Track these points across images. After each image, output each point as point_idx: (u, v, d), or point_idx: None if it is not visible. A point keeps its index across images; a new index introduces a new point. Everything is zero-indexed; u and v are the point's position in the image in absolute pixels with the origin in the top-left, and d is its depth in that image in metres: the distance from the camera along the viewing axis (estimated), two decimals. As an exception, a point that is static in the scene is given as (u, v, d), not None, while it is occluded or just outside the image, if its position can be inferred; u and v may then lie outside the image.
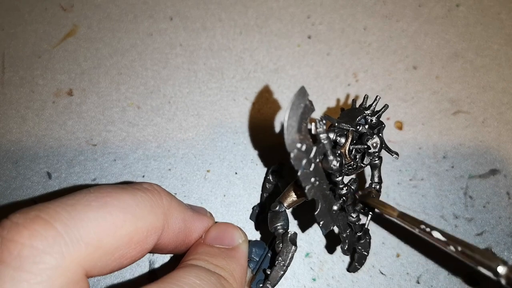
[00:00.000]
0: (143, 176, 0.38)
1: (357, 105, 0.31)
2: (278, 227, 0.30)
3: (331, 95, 0.41)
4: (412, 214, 0.38)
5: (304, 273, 0.37)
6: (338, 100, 0.41)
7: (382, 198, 0.38)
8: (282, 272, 0.28)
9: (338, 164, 0.26)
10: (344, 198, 0.29)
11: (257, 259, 0.31)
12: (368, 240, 0.32)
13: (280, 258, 0.28)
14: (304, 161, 0.24)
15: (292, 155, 0.24)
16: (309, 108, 0.24)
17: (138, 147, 0.39)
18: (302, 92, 0.24)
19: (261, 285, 0.29)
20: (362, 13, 0.44)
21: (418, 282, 0.37)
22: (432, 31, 0.44)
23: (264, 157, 0.39)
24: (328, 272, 0.37)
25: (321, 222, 0.27)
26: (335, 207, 0.28)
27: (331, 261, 0.37)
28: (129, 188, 0.25)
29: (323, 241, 0.37)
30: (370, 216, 0.31)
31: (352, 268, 0.34)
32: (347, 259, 0.37)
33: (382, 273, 0.37)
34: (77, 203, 0.22)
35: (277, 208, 0.31)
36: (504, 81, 0.42)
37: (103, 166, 0.39)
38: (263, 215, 0.37)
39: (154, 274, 0.36)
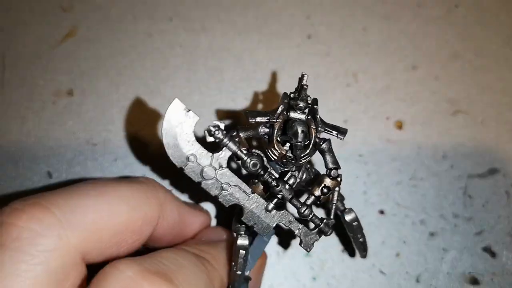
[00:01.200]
0: (144, 175, 0.38)
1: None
2: (237, 230, 0.28)
3: (330, 95, 0.41)
4: (412, 214, 0.38)
5: (304, 272, 0.37)
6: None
7: (382, 197, 0.38)
8: (235, 277, 0.27)
9: (251, 164, 0.25)
10: (279, 196, 0.26)
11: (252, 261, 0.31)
12: (356, 224, 0.31)
13: (232, 263, 0.28)
14: (204, 171, 0.24)
15: (185, 169, 0.23)
16: (190, 118, 0.24)
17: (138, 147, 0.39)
18: (176, 106, 0.23)
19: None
20: (361, 13, 0.44)
21: (418, 281, 0.37)
22: (431, 31, 0.44)
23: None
24: (329, 271, 0.37)
25: (254, 225, 0.26)
26: (269, 207, 0.26)
27: (331, 260, 0.37)
28: (126, 180, 0.26)
29: (322, 241, 0.37)
30: (333, 205, 0.28)
31: (361, 255, 0.33)
32: (347, 259, 0.37)
33: (382, 272, 0.37)
34: (74, 192, 0.24)
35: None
36: (503, 81, 0.42)
37: (103, 166, 0.39)
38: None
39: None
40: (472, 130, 0.41)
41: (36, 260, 0.20)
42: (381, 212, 0.38)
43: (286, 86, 0.42)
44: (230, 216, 0.38)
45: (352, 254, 0.37)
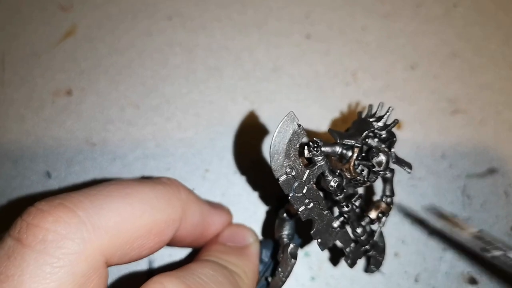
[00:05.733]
0: (142, 176, 0.38)
1: (366, 114, 0.30)
2: (283, 236, 0.30)
3: (330, 94, 0.41)
4: (411, 213, 0.38)
5: (302, 272, 0.37)
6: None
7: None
8: (281, 283, 0.28)
9: (335, 185, 0.26)
10: (345, 215, 0.28)
11: (267, 260, 0.31)
12: (382, 245, 0.32)
13: (280, 269, 0.28)
14: (295, 185, 0.25)
15: (281, 180, 0.24)
16: (299, 133, 0.24)
17: (137, 147, 0.39)
18: (290, 118, 0.24)
19: None
20: (361, 13, 0.44)
21: (417, 281, 0.37)
22: (430, 31, 0.44)
23: (264, 157, 0.39)
24: (327, 271, 0.37)
25: (318, 240, 0.27)
26: (335, 225, 0.28)
27: (330, 260, 0.37)
28: (149, 181, 0.26)
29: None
30: (379, 228, 0.31)
31: (369, 269, 0.33)
32: (345, 258, 0.37)
33: (381, 272, 0.37)
34: (98, 193, 0.23)
35: (284, 215, 0.31)
36: (501, 80, 0.43)
37: (102, 166, 0.39)
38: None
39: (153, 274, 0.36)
40: (471, 129, 0.41)
41: (60, 263, 0.20)
42: (380, 211, 0.38)
43: (286, 85, 0.42)
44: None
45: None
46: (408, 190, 0.39)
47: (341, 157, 0.28)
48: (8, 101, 0.40)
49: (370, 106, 0.29)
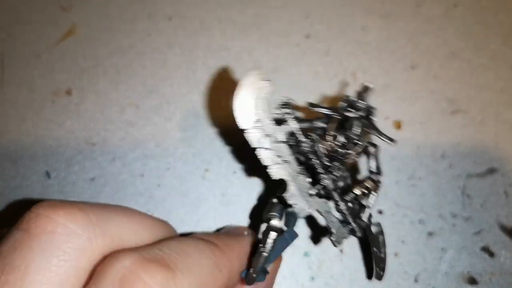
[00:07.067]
0: (142, 175, 0.38)
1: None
2: (269, 216, 0.28)
3: (330, 94, 0.41)
4: (410, 213, 0.38)
5: (302, 272, 0.37)
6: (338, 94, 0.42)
7: (380, 196, 0.38)
8: (262, 259, 0.27)
9: (308, 143, 0.26)
10: (323, 183, 0.27)
11: (288, 238, 0.31)
12: (382, 238, 0.31)
13: (260, 244, 0.28)
14: (262, 139, 0.24)
15: (246, 132, 0.24)
16: (267, 87, 0.24)
17: (137, 146, 0.39)
18: (258, 71, 0.24)
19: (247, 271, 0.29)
20: (361, 13, 0.44)
21: (416, 281, 0.37)
22: (430, 31, 0.44)
23: (263, 156, 0.39)
24: (327, 271, 0.37)
25: (294, 206, 0.27)
26: (311, 192, 0.27)
27: (329, 260, 0.37)
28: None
29: (323, 240, 0.37)
30: (368, 208, 0.29)
31: (376, 275, 0.32)
32: (346, 258, 0.37)
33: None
34: (112, 207, 0.25)
35: (275, 200, 0.30)
36: (501, 80, 0.42)
37: (102, 165, 0.39)
38: None
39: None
40: (471, 129, 0.41)
41: (66, 256, 0.20)
42: (380, 212, 0.38)
43: (285, 85, 0.42)
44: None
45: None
46: (408, 190, 0.39)
47: (324, 131, 0.28)
48: (8, 101, 0.40)
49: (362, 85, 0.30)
